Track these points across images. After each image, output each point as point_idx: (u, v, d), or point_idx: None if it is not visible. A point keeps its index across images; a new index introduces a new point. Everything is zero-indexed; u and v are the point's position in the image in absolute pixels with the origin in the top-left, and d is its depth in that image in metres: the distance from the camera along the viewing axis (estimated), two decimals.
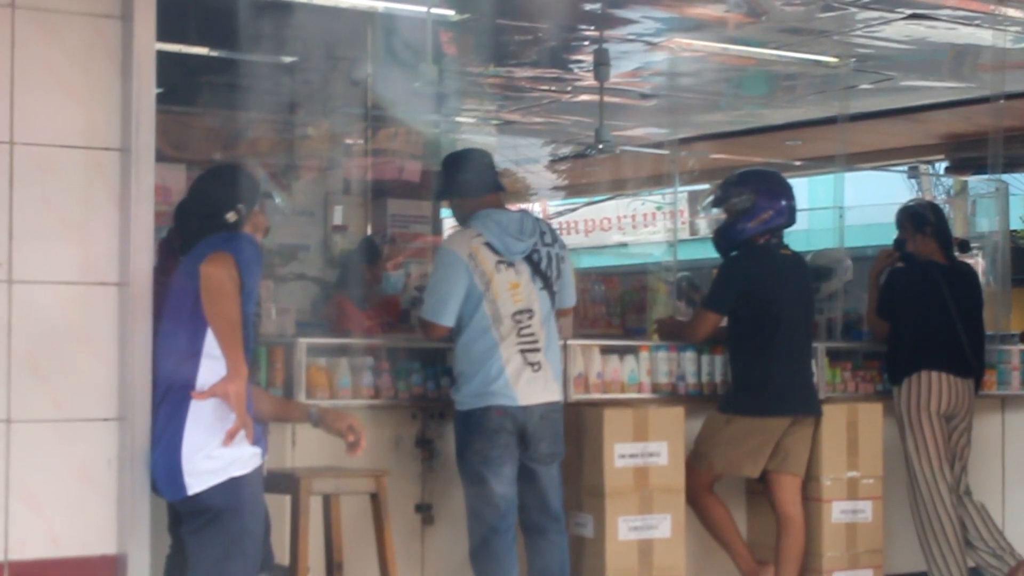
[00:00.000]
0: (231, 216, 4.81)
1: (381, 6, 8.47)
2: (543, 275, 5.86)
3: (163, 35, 4.89)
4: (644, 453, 6.33)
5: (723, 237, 6.82)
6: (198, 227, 4.81)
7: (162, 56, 4.90)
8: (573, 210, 18.92)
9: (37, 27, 4.69)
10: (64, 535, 4.67)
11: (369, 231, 9.48)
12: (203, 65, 9.28)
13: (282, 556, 5.13)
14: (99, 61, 4.79)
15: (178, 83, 8.39)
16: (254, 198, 4.94)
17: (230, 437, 4.52)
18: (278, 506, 5.17)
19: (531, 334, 5.77)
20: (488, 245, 5.79)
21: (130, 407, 4.69)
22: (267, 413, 4.90)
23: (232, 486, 4.56)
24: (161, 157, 5.07)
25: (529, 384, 5.74)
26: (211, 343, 4.56)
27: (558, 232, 6.12)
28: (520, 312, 5.77)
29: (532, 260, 5.85)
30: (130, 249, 4.74)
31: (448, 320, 5.77)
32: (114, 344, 4.74)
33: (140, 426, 4.68)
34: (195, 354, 4.58)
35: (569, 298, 6.06)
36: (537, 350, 5.78)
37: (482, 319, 5.73)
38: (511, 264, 5.80)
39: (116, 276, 4.76)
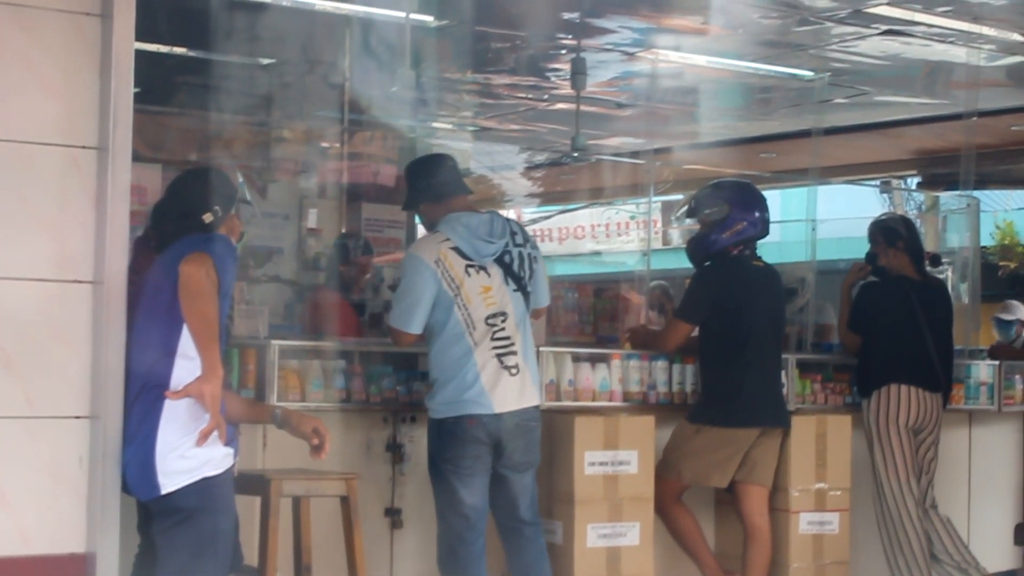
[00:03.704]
0: (207, 217, 4.82)
1: (359, 10, 8.48)
2: (516, 276, 5.82)
3: (141, 34, 4.88)
4: (614, 461, 6.36)
5: (696, 248, 6.84)
6: (175, 227, 4.81)
7: (140, 56, 4.89)
8: (548, 217, 18.94)
9: (16, 23, 4.69)
10: (34, 533, 4.66)
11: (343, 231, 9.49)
12: (180, 65, 9.27)
13: (251, 557, 5.13)
14: (78, 59, 4.78)
15: (155, 83, 8.38)
16: (231, 202, 4.96)
17: (204, 437, 4.53)
18: (248, 507, 5.17)
19: (506, 337, 5.74)
20: (456, 250, 5.74)
21: (103, 405, 4.69)
22: (235, 414, 4.90)
23: (204, 486, 4.57)
24: (137, 157, 5.07)
25: (505, 390, 5.69)
26: (186, 342, 4.57)
27: (529, 233, 6.10)
28: (494, 316, 5.73)
29: (504, 262, 5.81)
30: (105, 247, 4.74)
31: (415, 328, 5.73)
32: (88, 342, 4.73)
33: (112, 424, 4.68)
34: (169, 353, 4.58)
35: (543, 298, 6.03)
36: (513, 353, 5.74)
37: (455, 325, 5.69)
38: (482, 267, 5.76)
39: (91, 274, 4.76)
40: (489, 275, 5.77)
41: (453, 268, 5.72)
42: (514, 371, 5.73)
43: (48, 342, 4.69)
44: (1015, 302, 10.67)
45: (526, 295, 5.86)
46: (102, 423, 4.69)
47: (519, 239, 5.89)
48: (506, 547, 5.89)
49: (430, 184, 5.92)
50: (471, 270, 5.74)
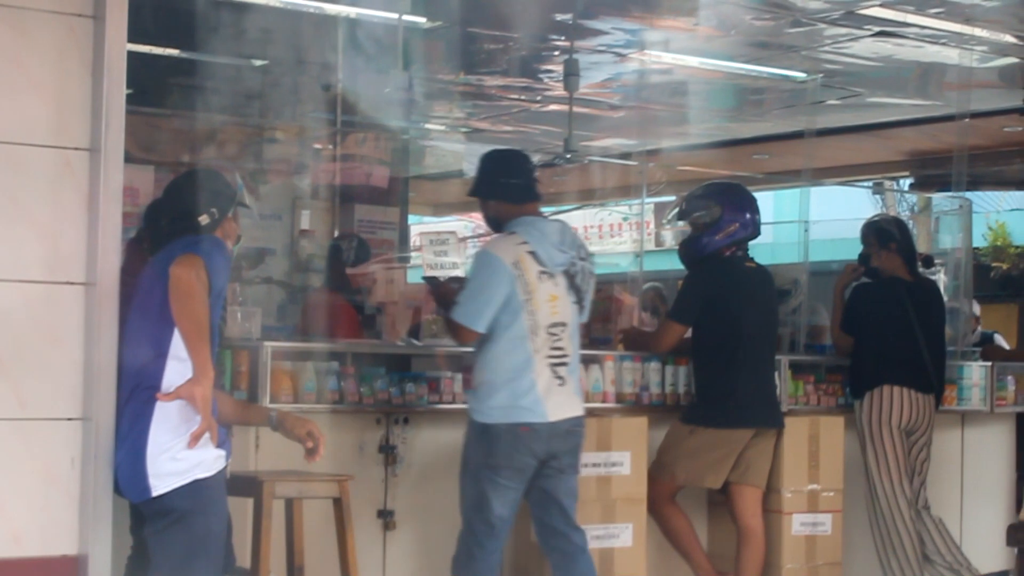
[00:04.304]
0: (204, 219, 4.81)
1: (352, 12, 8.48)
2: (577, 289, 5.75)
3: (133, 36, 4.87)
4: (607, 463, 6.36)
5: (689, 250, 6.84)
6: (170, 227, 4.81)
7: (132, 57, 4.88)
8: None
9: (7, 25, 4.68)
10: (25, 535, 4.65)
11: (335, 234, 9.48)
12: (172, 67, 9.26)
13: (244, 559, 5.13)
14: (70, 60, 4.77)
15: (147, 84, 8.38)
16: (229, 205, 4.94)
17: (195, 439, 4.52)
18: (241, 509, 5.16)
19: (561, 347, 5.67)
20: (533, 254, 5.64)
21: (95, 407, 4.68)
22: (228, 416, 4.90)
23: (196, 488, 4.56)
24: (129, 158, 5.06)
25: (557, 399, 5.64)
26: (177, 344, 4.56)
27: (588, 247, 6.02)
28: (555, 325, 5.66)
29: (569, 273, 5.73)
30: (98, 249, 4.73)
31: (483, 327, 5.61)
32: (80, 344, 4.72)
33: (104, 426, 4.67)
34: (161, 355, 4.58)
35: (586, 315, 5.96)
36: (565, 364, 5.68)
37: (519, 329, 5.59)
38: (552, 275, 5.68)
39: (83, 276, 4.75)
40: (556, 284, 5.69)
41: (528, 273, 5.63)
42: (562, 383, 5.67)
43: (40, 344, 4.68)
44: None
45: (581, 309, 5.81)
46: (94, 425, 4.68)
47: (583, 252, 5.83)
48: (554, 562, 5.78)
49: (511, 183, 5.83)
50: (543, 276, 5.65)
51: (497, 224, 5.86)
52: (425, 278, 6.02)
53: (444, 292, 5.89)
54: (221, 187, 4.98)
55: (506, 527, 5.68)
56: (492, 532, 5.63)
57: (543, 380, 5.61)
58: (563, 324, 5.69)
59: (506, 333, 5.60)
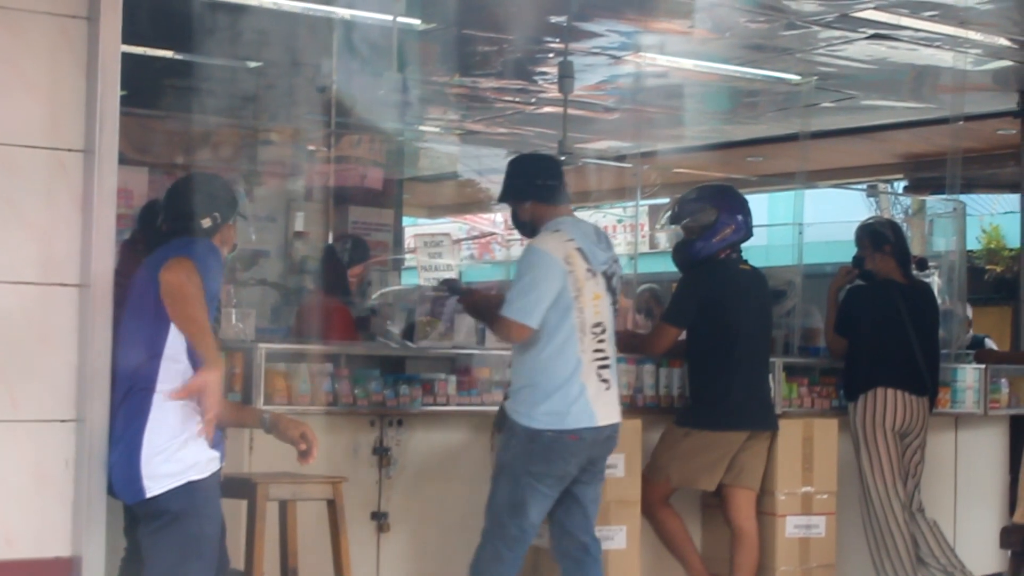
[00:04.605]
0: (207, 222, 4.81)
1: (347, 13, 8.48)
2: (612, 290, 5.71)
3: (127, 37, 4.87)
4: None
5: (684, 254, 6.81)
6: (169, 227, 4.82)
7: (126, 58, 4.88)
8: None
9: (1, 26, 4.67)
10: (19, 536, 4.64)
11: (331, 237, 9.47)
12: (167, 68, 9.26)
13: (237, 561, 5.12)
14: (64, 61, 4.77)
15: (142, 86, 8.37)
16: (231, 212, 4.94)
17: (209, 426, 4.51)
18: (234, 511, 5.16)
19: (603, 349, 5.61)
20: (580, 251, 5.60)
21: (89, 409, 4.68)
22: (221, 417, 4.88)
23: (190, 490, 4.56)
24: (123, 160, 5.05)
25: (603, 404, 5.59)
26: (172, 345, 4.57)
27: None
28: (597, 325, 5.60)
29: (607, 274, 5.70)
30: (91, 250, 4.72)
31: (537, 323, 5.48)
32: (74, 345, 4.72)
33: (98, 427, 4.67)
34: (156, 356, 4.58)
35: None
36: (607, 367, 5.63)
37: (569, 329, 5.52)
38: (595, 274, 5.63)
39: (77, 277, 4.74)
40: (598, 283, 5.64)
41: (578, 270, 5.57)
42: (607, 386, 5.63)
43: (33, 345, 4.68)
44: None
45: (615, 311, 5.76)
46: (88, 426, 4.67)
47: (615, 254, 5.81)
48: (565, 568, 5.72)
49: (547, 184, 5.77)
50: (588, 275, 5.61)
51: (532, 227, 5.78)
52: (444, 282, 5.99)
53: (477, 298, 5.86)
54: (225, 193, 4.99)
55: (534, 533, 5.63)
56: (523, 537, 5.57)
57: (592, 384, 5.54)
58: (604, 325, 5.64)
59: (557, 333, 5.52)
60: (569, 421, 5.50)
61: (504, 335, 5.63)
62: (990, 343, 10.53)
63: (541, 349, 5.53)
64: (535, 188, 5.78)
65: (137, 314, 4.65)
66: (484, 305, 5.86)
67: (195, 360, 4.59)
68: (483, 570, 5.61)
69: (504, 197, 5.91)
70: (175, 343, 4.56)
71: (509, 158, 6.11)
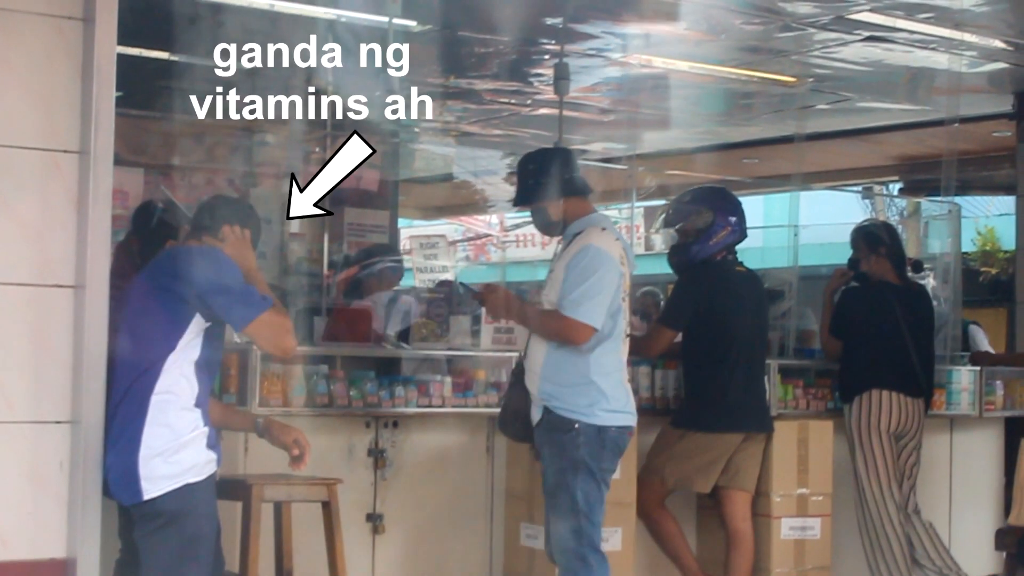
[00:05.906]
0: (228, 231, 4.84)
1: (342, 15, 8.47)
2: (627, 293, 5.70)
3: (123, 38, 4.87)
4: None
5: (681, 257, 6.80)
6: (192, 232, 4.86)
7: (121, 60, 4.88)
8: (530, 223, 18.91)
9: None
10: (13, 538, 4.64)
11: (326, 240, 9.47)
12: (162, 69, 9.24)
13: (233, 563, 5.12)
14: (59, 63, 4.77)
15: (137, 87, 8.36)
16: (257, 236, 5.06)
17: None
18: (229, 513, 5.16)
19: (625, 350, 5.66)
20: (625, 251, 5.60)
21: (83, 410, 4.67)
22: (215, 420, 4.89)
23: (187, 492, 4.56)
24: (119, 161, 5.05)
25: (633, 404, 5.65)
26: (183, 347, 4.57)
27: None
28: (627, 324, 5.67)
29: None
30: (87, 252, 4.73)
31: (600, 324, 5.43)
32: (69, 347, 4.71)
33: (93, 429, 4.67)
34: (159, 358, 4.58)
35: None
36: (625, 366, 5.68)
37: (618, 330, 5.52)
38: (628, 275, 5.63)
39: (72, 278, 4.74)
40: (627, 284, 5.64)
41: (627, 271, 5.58)
42: (628, 384, 5.68)
43: (29, 346, 4.68)
44: None
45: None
46: (83, 427, 4.67)
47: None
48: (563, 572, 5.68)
49: (575, 177, 5.65)
50: (627, 276, 5.61)
51: (561, 225, 5.67)
52: (464, 285, 5.97)
53: (502, 293, 5.72)
54: (256, 219, 5.14)
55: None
56: (600, 535, 5.51)
57: (630, 383, 5.62)
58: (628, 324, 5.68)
59: (610, 333, 5.49)
60: (627, 418, 5.55)
61: (567, 336, 5.47)
62: (978, 329, 10.51)
63: (592, 348, 5.48)
64: (568, 184, 5.64)
65: (140, 318, 4.65)
66: (517, 303, 5.69)
67: (208, 370, 4.65)
68: (582, 554, 5.44)
69: (531, 198, 5.70)
70: (180, 347, 4.57)
71: (519, 157, 5.97)
